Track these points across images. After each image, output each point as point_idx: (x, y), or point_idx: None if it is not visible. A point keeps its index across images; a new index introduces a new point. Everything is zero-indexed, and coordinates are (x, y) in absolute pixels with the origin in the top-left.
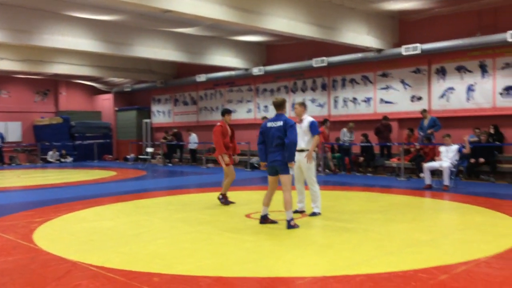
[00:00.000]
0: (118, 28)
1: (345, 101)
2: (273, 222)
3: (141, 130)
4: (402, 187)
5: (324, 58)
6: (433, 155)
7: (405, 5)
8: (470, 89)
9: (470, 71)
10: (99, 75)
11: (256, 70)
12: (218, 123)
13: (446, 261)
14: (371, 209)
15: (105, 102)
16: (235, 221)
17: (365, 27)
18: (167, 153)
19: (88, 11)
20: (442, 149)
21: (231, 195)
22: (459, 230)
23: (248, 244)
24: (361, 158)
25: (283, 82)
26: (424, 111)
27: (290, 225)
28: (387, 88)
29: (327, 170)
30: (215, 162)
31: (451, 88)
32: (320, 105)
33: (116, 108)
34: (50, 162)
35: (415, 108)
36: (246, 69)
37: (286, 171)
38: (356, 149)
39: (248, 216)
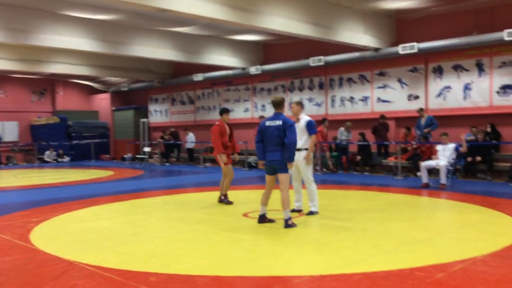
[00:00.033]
0: (115, 28)
1: (342, 100)
2: (271, 221)
3: (139, 129)
4: (399, 185)
5: (321, 57)
6: (430, 154)
7: (402, 4)
8: (467, 88)
9: (467, 70)
10: (96, 75)
11: (254, 69)
12: (217, 123)
13: (443, 259)
14: (368, 208)
15: (102, 102)
16: (233, 220)
17: (362, 26)
18: (164, 152)
19: (85, 10)
20: (439, 147)
21: (228, 194)
22: (456, 228)
23: (246, 243)
24: (359, 157)
25: (280, 81)
26: (421, 110)
27: (288, 224)
28: (384, 87)
29: (324, 169)
30: (213, 161)
31: (448, 87)
32: (318, 104)
33: (113, 108)
34: (47, 162)
35: (412, 107)
36: (243, 68)
37: (285, 170)
38: (353, 148)
39: (245, 215)
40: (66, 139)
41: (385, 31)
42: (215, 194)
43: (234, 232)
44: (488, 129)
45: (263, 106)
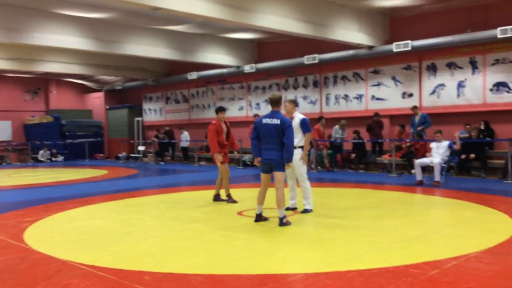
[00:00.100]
0: (109, 26)
1: (336, 98)
2: (265, 219)
3: (133, 128)
4: (393, 183)
5: (315, 55)
6: (424, 151)
7: (396, 2)
8: (460, 85)
9: (460, 68)
10: (90, 73)
11: (248, 68)
12: (213, 122)
13: (437, 256)
14: (363, 205)
15: (96, 101)
16: (227, 218)
17: (356, 24)
18: (159, 151)
19: (78, 9)
20: (433, 145)
21: (223, 193)
22: (450, 225)
23: (240, 241)
24: (353, 155)
25: (274, 79)
26: (415, 107)
27: (283, 223)
28: (378, 85)
29: (319, 167)
30: (207, 160)
31: (442, 85)
32: (312, 102)
33: (107, 107)
34: (41, 161)
35: (406, 104)
36: (238, 67)
37: (281, 168)
38: (348, 146)
39: (240, 213)
40: (60, 138)
41: (379, 29)
42: (210, 193)
43: (228, 231)
44: (482, 127)
45: (257, 104)
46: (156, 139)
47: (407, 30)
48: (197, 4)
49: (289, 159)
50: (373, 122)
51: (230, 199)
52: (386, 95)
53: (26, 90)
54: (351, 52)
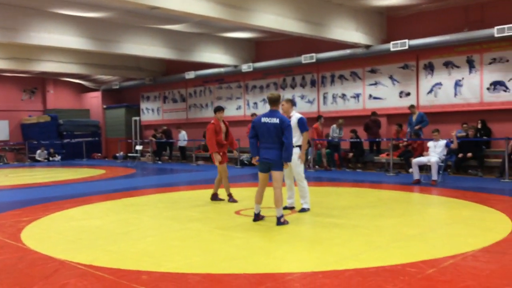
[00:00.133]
0: (106, 25)
1: (334, 97)
2: (261, 218)
3: (130, 128)
4: (391, 182)
5: (313, 54)
6: (422, 150)
7: (393, 1)
8: (457, 84)
9: (457, 67)
10: (87, 73)
11: (245, 67)
12: (212, 121)
13: (434, 255)
14: (360, 204)
15: (93, 100)
16: (225, 218)
17: (353, 23)
18: (156, 150)
19: (74, 8)
20: (430, 144)
21: (220, 192)
22: (447, 224)
23: (238, 240)
24: (351, 154)
25: (272, 78)
26: (412, 106)
27: (280, 222)
28: (375, 84)
29: (317, 166)
30: (205, 159)
31: (439, 84)
32: (310, 102)
33: (105, 106)
34: (38, 161)
35: (404, 103)
36: (235, 66)
37: (280, 168)
38: (345, 145)
39: (237, 213)
40: (57, 138)
41: (376, 28)
42: (208, 192)
43: (226, 230)
44: (479, 126)
45: (255, 103)
46: (153, 139)
47: (404, 29)
48: (194, 3)
49: (288, 158)
50: (371, 121)
51: (231, 199)
52: (384, 94)
53: (23, 90)
54: (348, 51)
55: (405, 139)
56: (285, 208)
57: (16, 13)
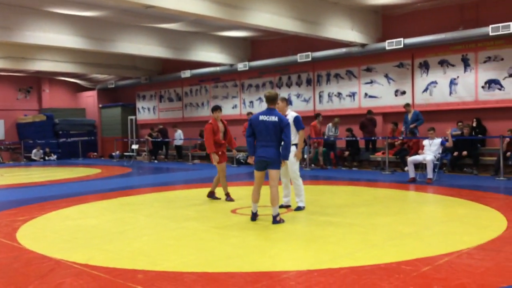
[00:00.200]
0: (101, 24)
1: (330, 96)
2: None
3: (126, 127)
4: (386, 180)
5: (308, 53)
6: (417, 148)
7: (388, 0)
8: (452, 83)
9: (452, 65)
10: (83, 72)
11: (241, 66)
12: (209, 121)
13: (429, 253)
14: (356, 202)
15: (89, 99)
16: (221, 217)
17: (349, 22)
18: (152, 150)
19: (70, 7)
20: (425, 142)
21: (218, 191)
22: (442, 222)
23: (234, 239)
24: (347, 153)
25: (268, 77)
26: (407, 105)
27: (276, 221)
28: (371, 82)
29: (313, 165)
30: (201, 158)
31: (434, 82)
32: (305, 100)
33: (100, 105)
34: (34, 160)
35: (399, 102)
36: (231, 65)
37: (277, 166)
38: (341, 144)
39: (233, 211)
40: (53, 137)
41: (372, 26)
42: (204, 191)
43: (222, 229)
44: (474, 124)
45: (251, 102)
46: (149, 138)
47: (400, 28)
48: (189, 2)
49: (287, 156)
50: (366, 120)
51: (228, 198)
52: (379, 93)
53: (18, 89)
54: (344, 50)
55: (400, 138)
56: (281, 206)
57: (11, 12)
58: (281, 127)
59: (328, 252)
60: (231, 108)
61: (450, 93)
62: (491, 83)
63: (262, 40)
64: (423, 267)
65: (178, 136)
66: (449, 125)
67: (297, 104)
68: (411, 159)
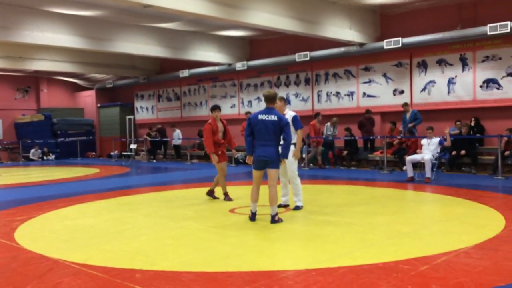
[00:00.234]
0: (99, 24)
1: (328, 95)
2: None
3: (125, 126)
4: (385, 180)
5: (307, 52)
6: (416, 148)
7: None
8: (451, 82)
9: (450, 64)
10: (81, 72)
11: (240, 65)
12: (209, 121)
13: (427, 252)
14: (354, 202)
15: (87, 99)
16: (219, 216)
17: (347, 21)
18: (151, 149)
19: (68, 6)
20: (423, 142)
21: (216, 190)
22: (441, 221)
23: (232, 239)
24: (345, 152)
25: (266, 77)
26: (405, 104)
27: (274, 220)
28: (369, 82)
29: (311, 164)
30: (200, 157)
31: (432, 82)
32: (304, 100)
33: (99, 105)
34: (32, 160)
35: (398, 101)
36: (230, 64)
37: (276, 166)
38: (339, 143)
39: (232, 211)
40: (51, 137)
41: (370, 26)
42: (202, 191)
43: (220, 228)
44: (472, 123)
45: (249, 102)
46: (148, 137)
47: (398, 27)
48: (187, 1)
49: (287, 155)
50: (365, 119)
51: (226, 197)
52: (377, 92)
53: (16, 89)
54: (342, 49)
55: (399, 137)
56: (280, 206)
57: (9, 12)
58: (281, 126)
59: (326, 251)
60: (230, 108)
61: (448, 92)
62: (489, 83)
63: (261, 40)
64: (421, 266)
65: (177, 136)
66: (447, 124)
67: (295, 103)
68: (409, 158)
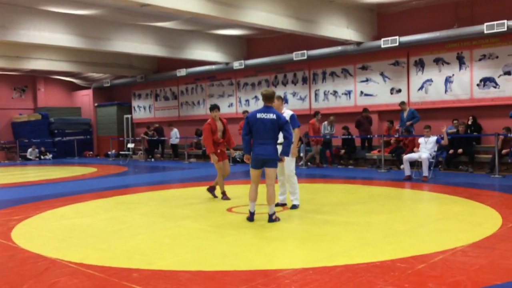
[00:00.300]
0: (96, 23)
1: (325, 94)
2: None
3: (122, 125)
4: (382, 178)
5: (304, 51)
6: (413, 146)
7: None
8: (448, 80)
9: (448, 63)
10: (78, 71)
11: (237, 64)
12: (208, 121)
13: (424, 250)
14: (351, 201)
15: (85, 98)
16: (217, 215)
17: (344, 20)
18: (148, 148)
19: (65, 6)
20: (421, 140)
21: (218, 189)
22: (437, 220)
23: (229, 238)
24: (342, 151)
25: (264, 75)
26: (402, 103)
27: (272, 219)
28: (367, 80)
29: (309, 163)
30: (197, 157)
31: (430, 80)
32: (301, 99)
33: (96, 104)
34: (30, 160)
35: (395, 100)
36: (227, 63)
37: (275, 164)
38: (337, 142)
39: (229, 210)
40: (48, 136)
41: (367, 25)
42: (200, 190)
43: (218, 227)
44: (469, 122)
45: (247, 101)
46: (145, 136)
47: (395, 26)
48: (184, 0)
49: (288, 153)
50: (362, 118)
51: (224, 196)
52: (375, 91)
53: (13, 88)
54: (339, 48)
55: (396, 136)
56: (277, 204)
57: (5, 11)
58: (280, 125)
59: (323, 250)
60: (227, 107)
61: (446, 91)
62: (486, 81)
63: (258, 39)
64: (418, 265)
65: (174, 135)
66: (444, 123)
67: (293, 102)
68: (406, 157)
